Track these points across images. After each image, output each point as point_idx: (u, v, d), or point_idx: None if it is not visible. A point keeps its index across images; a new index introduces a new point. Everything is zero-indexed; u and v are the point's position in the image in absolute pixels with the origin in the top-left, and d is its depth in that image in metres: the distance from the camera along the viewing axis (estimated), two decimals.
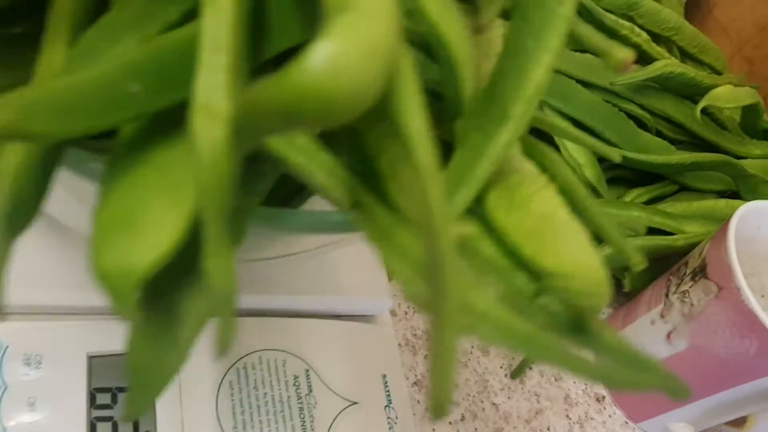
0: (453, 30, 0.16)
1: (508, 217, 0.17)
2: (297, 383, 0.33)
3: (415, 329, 0.41)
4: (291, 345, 0.34)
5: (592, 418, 0.43)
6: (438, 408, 0.13)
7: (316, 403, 0.33)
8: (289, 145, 0.15)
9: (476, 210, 0.18)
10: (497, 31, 0.18)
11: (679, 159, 0.46)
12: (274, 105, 0.09)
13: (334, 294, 0.36)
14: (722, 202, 0.47)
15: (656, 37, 0.51)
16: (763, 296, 0.41)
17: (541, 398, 0.42)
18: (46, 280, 0.29)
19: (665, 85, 0.47)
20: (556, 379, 0.44)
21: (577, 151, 0.46)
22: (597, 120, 0.46)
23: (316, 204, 0.21)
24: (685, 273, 0.40)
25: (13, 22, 0.16)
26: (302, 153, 0.15)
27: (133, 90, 0.12)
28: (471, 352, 0.42)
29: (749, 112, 0.49)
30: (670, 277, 0.41)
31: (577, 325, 0.16)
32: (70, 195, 0.22)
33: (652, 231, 0.45)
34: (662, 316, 0.41)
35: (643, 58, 0.49)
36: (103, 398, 0.30)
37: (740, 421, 0.42)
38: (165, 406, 0.30)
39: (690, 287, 0.39)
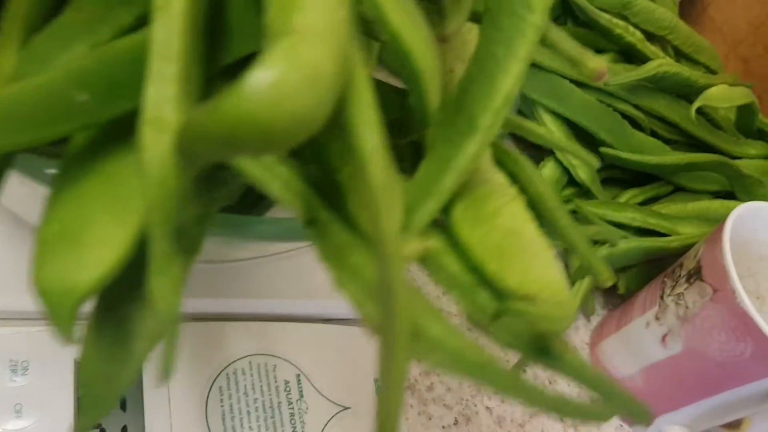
0: (416, 40, 0.15)
1: (473, 232, 0.16)
2: (288, 388, 0.33)
3: None
4: (282, 350, 0.34)
5: (586, 421, 0.43)
6: None
7: (307, 409, 0.33)
8: (252, 158, 0.14)
9: (445, 222, 0.17)
10: (473, 32, 0.18)
11: (673, 159, 0.46)
12: (210, 132, 0.08)
13: (326, 297, 0.36)
14: (717, 203, 0.46)
15: (650, 37, 0.51)
16: (758, 298, 0.41)
17: None
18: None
19: (660, 84, 0.47)
20: (550, 382, 0.43)
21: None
22: (591, 120, 0.45)
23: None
24: (680, 275, 0.40)
25: None
26: (259, 164, 0.15)
27: (81, 99, 0.11)
28: None
29: (744, 111, 0.49)
30: (665, 279, 0.41)
31: (539, 346, 0.16)
32: None
33: (647, 232, 0.44)
34: (657, 318, 0.40)
35: (638, 58, 0.49)
36: None
37: (735, 424, 0.41)
38: (154, 412, 0.30)
39: (685, 289, 0.39)
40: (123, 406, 0.30)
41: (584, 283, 0.45)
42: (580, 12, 0.49)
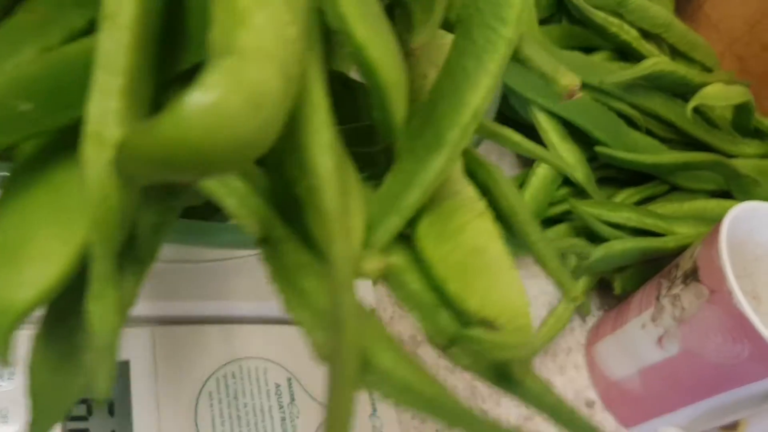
0: (381, 53, 0.15)
1: (437, 249, 0.16)
2: (279, 392, 0.33)
3: (400, 334, 0.40)
4: (272, 353, 0.33)
5: None
6: None
7: (298, 413, 0.33)
8: None
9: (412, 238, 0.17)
10: (448, 38, 0.17)
11: (669, 158, 0.45)
12: (145, 154, 0.08)
13: None
14: (714, 203, 0.46)
15: (646, 34, 0.50)
16: (755, 298, 0.41)
17: None
18: None
19: (655, 83, 0.46)
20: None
21: (566, 152, 0.45)
22: (586, 119, 0.45)
23: None
24: (676, 276, 0.39)
25: None
26: (218, 181, 0.14)
27: (24, 109, 0.11)
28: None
29: (741, 110, 0.49)
30: (661, 280, 0.41)
31: (499, 370, 0.15)
32: None
33: (643, 232, 0.44)
34: (653, 319, 0.40)
35: (633, 56, 0.49)
36: (79, 410, 0.29)
37: (732, 426, 0.41)
38: (142, 416, 0.30)
39: (681, 290, 0.38)
40: (111, 411, 0.30)
41: (580, 284, 0.45)
42: (574, 10, 0.48)
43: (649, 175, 0.47)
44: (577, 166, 0.45)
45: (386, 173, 0.16)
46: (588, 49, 0.50)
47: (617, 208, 0.44)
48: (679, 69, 0.47)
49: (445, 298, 0.16)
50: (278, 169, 0.14)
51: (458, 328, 0.15)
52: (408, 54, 0.16)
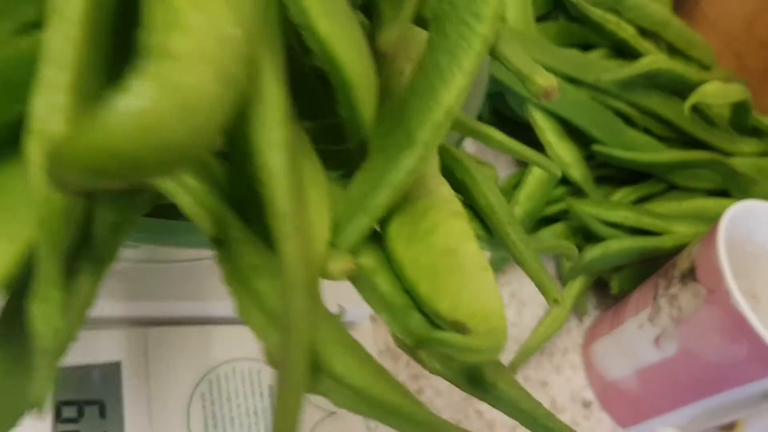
0: (346, 48, 0.14)
1: (407, 250, 0.15)
2: (272, 394, 0.32)
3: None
4: None
5: (578, 424, 0.42)
6: None
7: None
8: None
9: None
10: (425, 34, 0.17)
11: (667, 157, 0.45)
12: (74, 160, 0.07)
13: None
14: (711, 202, 0.46)
15: (643, 32, 0.50)
16: (753, 298, 0.40)
17: None
18: None
19: (653, 81, 0.46)
20: (542, 385, 0.43)
21: (563, 150, 0.45)
22: (583, 117, 0.44)
23: None
24: (673, 275, 0.39)
25: None
26: (172, 178, 0.14)
27: None
28: None
29: (739, 108, 0.48)
30: (659, 280, 0.40)
31: (470, 375, 0.15)
32: None
33: (641, 231, 0.44)
34: (650, 319, 0.40)
35: (631, 54, 0.48)
36: (69, 412, 0.29)
37: (730, 426, 0.41)
38: (134, 418, 0.29)
39: (679, 290, 0.38)
40: (102, 413, 0.29)
41: (576, 284, 0.44)
42: (571, 7, 0.48)
43: (647, 174, 0.47)
44: (574, 164, 0.45)
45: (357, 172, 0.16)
46: (585, 47, 0.49)
47: (614, 207, 0.44)
48: (677, 67, 0.46)
49: (416, 301, 0.15)
50: (241, 167, 0.13)
51: (428, 330, 0.14)
52: (383, 52, 0.16)
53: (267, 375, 0.32)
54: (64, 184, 0.08)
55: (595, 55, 0.49)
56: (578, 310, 0.46)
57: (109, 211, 0.12)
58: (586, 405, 0.43)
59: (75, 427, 0.29)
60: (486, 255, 0.47)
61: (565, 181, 0.46)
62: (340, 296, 0.34)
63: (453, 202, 0.17)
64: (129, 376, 0.30)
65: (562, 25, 0.50)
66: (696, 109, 0.47)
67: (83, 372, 0.30)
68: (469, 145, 0.49)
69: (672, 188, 0.48)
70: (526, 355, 0.42)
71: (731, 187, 0.47)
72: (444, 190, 0.17)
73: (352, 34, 0.15)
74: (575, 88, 0.45)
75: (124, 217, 0.13)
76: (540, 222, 0.45)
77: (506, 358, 0.42)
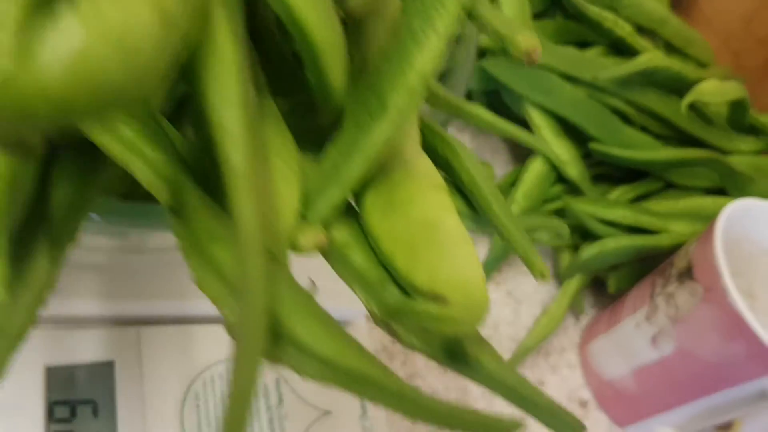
0: (310, 10, 0.14)
1: (383, 221, 0.15)
2: (267, 393, 0.32)
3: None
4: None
5: None
6: None
7: (286, 414, 0.32)
8: (114, 137, 0.13)
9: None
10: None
11: (664, 155, 0.45)
12: (5, 107, 0.07)
13: None
14: (709, 200, 0.46)
15: (641, 30, 0.50)
16: (750, 297, 0.40)
17: None
18: None
19: (650, 79, 0.46)
20: (538, 384, 0.42)
21: (560, 148, 0.45)
22: (580, 115, 0.44)
23: None
24: (670, 274, 0.39)
25: None
26: (127, 146, 0.13)
27: None
28: None
29: (736, 106, 0.48)
30: (656, 278, 0.40)
31: (451, 350, 0.14)
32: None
33: (638, 230, 0.44)
34: (647, 318, 0.39)
35: (628, 52, 0.48)
36: (62, 412, 0.29)
37: (727, 425, 0.41)
38: (127, 418, 0.29)
39: (676, 289, 0.38)
40: (95, 413, 0.29)
41: (573, 282, 0.44)
42: (568, 5, 0.48)
43: (644, 172, 0.47)
44: (571, 162, 0.45)
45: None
46: (582, 45, 0.49)
47: (612, 206, 0.43)
48: (674, 65, 0.46)
49: (392, 275, 0.15)
50: (202, 135, 0.13)
51: (401, 302, 0.14)
52: (354, 16, 0.15)
53: (261, 374, 0.32)
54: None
55: (593, 53, 0.48)
56: (575, 309, 0.46)
57: (67, 189, 0.12)
58: (583, 404, 0.43)
59: (68, 427, 0.29)
60: (480, 255, 0.47)
61: (562, 179, 0.46)
62: (335, 294, 0.34)
63: (433, 175, 0.16)
64: (122, 375, 0.30)
65: (559, 22, 0.49)
66: (693, 107, 0.47)
67: (76, 372, 0.29)
68: (467, 143, 0.49)
69: (669, 187, 0.47)
70: (523, 354, 0.42)
71: (729, 185, 0.47)
72: (424, 162, 0.17)
73: None
74: (572, 85, 0.45)
75: (83, 195, 0.13)
76: None
77: (503, 357, 0.42)
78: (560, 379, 0.43)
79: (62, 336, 0.29)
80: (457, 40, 0.22)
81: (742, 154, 0.48)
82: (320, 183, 0.15)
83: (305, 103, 0.16)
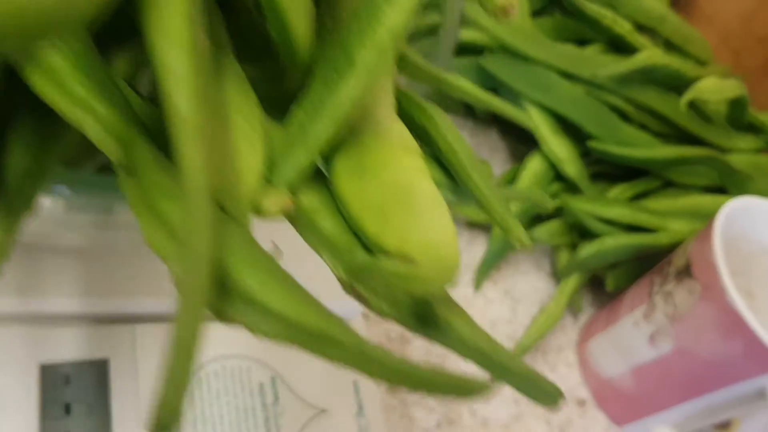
0: None
1: (352, 184, 0.14)
2: (262, 391, 0.32)
3: (389, 332, 0.39)
4: (256, 351, 0.32)
5: (573, 422, 0.42)
6: (161, 421, 0.10)
7: (282, 412, 0.32)
8: (64, 94, 0.13)
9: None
10: None
11: (663, 153, 0.45)
12: None
13: None
14: (708, 199, 0.45)
15: (640, 27, 0.50)
16: (749, 295, 0.40)
17: (521, 403, 0.41)
18: None
19: (649, 76, 0.46)
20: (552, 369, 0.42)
21: (558, 146, 0.45)
22: (578, 113, 0.44)
23: None
24: (669, 272, 0.39)
25: None
26: (77, 103, 0.13)
27: None
28: (447, 356, 0.40)
29: (735, 105, 0.48)
30: (654, 277, 0.40)
31: (422, 314, 0.14)
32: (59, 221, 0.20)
33: (637, 229, 0.43)
34: (645, 316, 0.39)
35: (627, 49, 0.48)
36: (57, 409, 0.29)
37: (725, 424, 0.40)
38: (122, 416, 0.29)
39: (674, 287, 0.38)
40: (90, 410, 0.29)
41: (571, 281, 0.44)
42: (567, 2, 0.48)
43: (643, 171, 0.47)
44: (569, 161, 0.45)
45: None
46: (581, 42, 0.49)
47: (610, 204, 0.43)
48: (673, 62, 0.46)
49: (362, 241, 0.14)
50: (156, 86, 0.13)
51: (369, 260, 0.13)
52: None
53: (257, 373, 0.32)
54: None
55: (591, 51, 0.48)
56: (573, 308, 0.46)
57: (22, 156, 0.12)
58: (581, 403, 0.43)
59: (62, 424, 0.29)
60: (478, 253, 0.46)
61: (560, 177, 0.46)
62: (331, 291, 0.34)
63: (407, 139, 0.16)
64: (117, 373, 0.30)
65: (557, 20, 0.49)
66: (692, 105, 0.47)
67: (70, 369, 0.29)
68: None
69: (668, 185, 0.47)
70: (520, 352, 0.42)
71: (727, 183, 0.47)
72: (397, 127, 0.16)
73: None
74: (571, 83, 0.45)
75: (40, 162, 0.13)
76: (535, 219, 0.45)
77: None
78: (558, 378, 0.43)
79: (57, 334, 0.29)
80: (440, 10, 0.21)
81: (741, 153, 0.48)
82: (286, 145, 0.14)
83: (274, 71, 0.16)
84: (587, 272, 0.45)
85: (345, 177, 0.15)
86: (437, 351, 0.40)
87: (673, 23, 0.51)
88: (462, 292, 0.43)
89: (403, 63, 0.19)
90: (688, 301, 0.36)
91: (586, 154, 0.46)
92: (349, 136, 0.15)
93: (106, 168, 0.15)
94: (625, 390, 0.41)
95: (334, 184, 0.15)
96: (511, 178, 0.46)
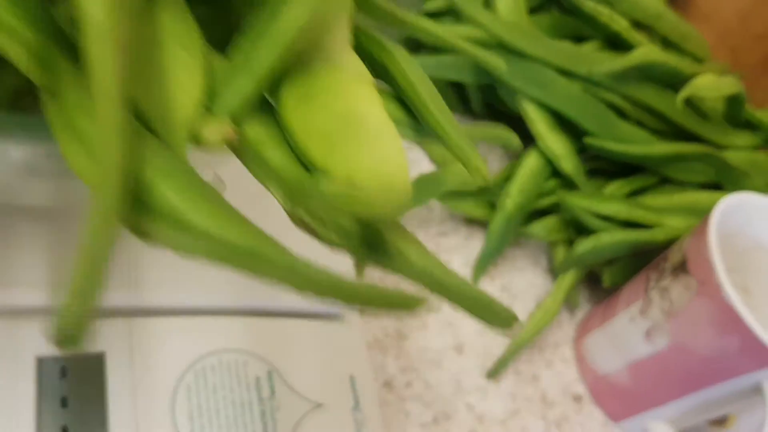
0: None
1: (300, 114, 0.14)
2: (259, 386, 0.32)
3: (385, 328, 0.40)
4: (253, 346, 0.33)
5: (569, 419, 0.42)
6: (65, 333, 0.10)
7: (278, 406, 0.32)
8: None
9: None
10: None
11: (660, 150, 0.45)
12: None
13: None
14: (704, 195, 0.46)
15: (637, 25, 0.50)
16: (744, 291, 0.40)
17: (517, 398, 0.41)
18: None
19: (646, 73, 0.46)
20: (533, 379, 0.42)
21: (555, 143, 0.45)
22: (575, 110, 0.44)
23: None
24: (665, 268, 0.39)
25: None
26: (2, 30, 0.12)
27: None
28: (444, 351, 0.40)
29: (732, 102, 0.48)
30: (650, 273, 0.40)
31: (372, 241, 0.13)
32: (21, 172, 0.20)
33: (633, 225, 0.43)
34: (642, 312, 0.39)
35: (624, 46, 0.48)
36: (53, 402, 0.29)
37: (722, 420, 0.41)
38: (118, 409, 0.29)
39: (670, 283, 0.38)
40: (86, 405, 0.29)
41: (568, 277, 0.44)
42: (564, 0, 0.48)
43: (640, 167, 0.47)
44: (566, 157, 0.45)
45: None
46: (578, 39, 0.49)
47: (606, 200, 0.43)
48: (670, 59, 0.46)
49: (310, 171, 0.14)
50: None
51: (311, 181, 0.13)
52: None
53: (253, 367, 0.32)
54: None
55: (588, 48, 0.48)
56: (570, 304, 0.46)
57: None
58: (578, 399, 0.43)
59: (58, 417, 0.29)
60: (475, 251, 0.46)
61: (557, 174, 0.46)
62: None
63: (360, 70, 0.15)
64: (113, 367, 0.30)
65: (555, 17, 0.49)
66: (689, 102, 0.47)
67: (66, 363, 0.29)
68: None
69: (664, 181, 0.47)
70: (517, 348, 0.42)
71: (724, 180, 0.47)
72: (350, 58, 0.16)
73: None
74: (567, 80, 0.45)
75: None
76: (532, 215, 0.45)
77: (497, 352, 0.42)
78: (554, 374, 0.43)
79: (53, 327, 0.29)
80: None
81: (737, 150, 0.48)
82: (229, 74, 0.14)
83: (224, 11, 0.15)
84: (584, 268, 0.45)
85: (293, 106, 0.14)
86: (434, 346, 0.40)
87: (671, 21, 0.51)
88: None
89: (364, 3, 0.19)
90: (684, 297, 0.36)
91: (583, 151, 0.46)
92: (298, 66, 0.14)
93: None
94: (622, 386, 0.42)
95: (281, 114, 0.15)
96: (508, 175, 0.46)
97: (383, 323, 0.40)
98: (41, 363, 0.29)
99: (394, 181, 0.13)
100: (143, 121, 0.13)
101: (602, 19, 0.47)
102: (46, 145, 0.17)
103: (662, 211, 0.44)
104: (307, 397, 0.33)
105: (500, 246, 0.44)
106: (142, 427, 0.29)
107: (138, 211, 0.11)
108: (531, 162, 0.45)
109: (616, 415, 0.43)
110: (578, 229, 0.44)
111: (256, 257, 0.11)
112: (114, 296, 0.30)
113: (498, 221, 0.44)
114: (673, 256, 0.38)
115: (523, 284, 0.46)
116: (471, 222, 0.47)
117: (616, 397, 0.42)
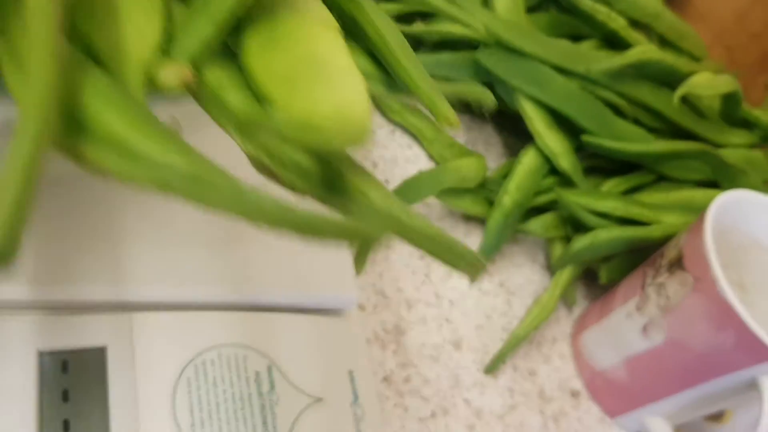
0: None
1: (262, 57, 0.14)
2: (258, 380, 0.32)
3: (384, 323, 0.40)
4: (253, 340, 0.33)
5: (566, 414, 0.42)
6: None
7: (278, 400, 0.32)
8: None
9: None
10: None
11: (656, 147, 0.45)
12: None
13: (299, 287, 0.35)
14: (700, 193, 0.46)
15: (634, 23, 0.50)
16: (740, 287, 0.40)
17: (515, 393, 0.41)
18: None
19: (643, 72, 0.46)
20: (530, 374, 0.43)
21: (552, 141, 0.45)
22: (573, 107, 0.44)
23: None
24: (661, 264, 0.39)
25: None
26: None
27: None
28: (443, 347, 0.41)
29: (729, 100, 0.48)
30: (646, 269, 0.40)
31: (330, 181, 0.13)
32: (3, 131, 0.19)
33: (630, 222, 0.44)
34: (638, 308, 0.40)
35: (621, 45, 0.48)
36: (54, 396, 0.29)
37: (718, 416, 0.41)
38: (119, 403, 0.29)
39: (666, 279, 0.38)
40: (87, 398, 0.29)
41: (565, 273, 0.44)
42: None
43: (636, 165, 0.47)
44: (563, 154, 0.45)
45: None
46: (576, 38, 0.49)
47: (603, 198, 0.44)
48: (667, 58, 0.46)
49: (270, 114, 0.14)
50: None
51: (266, 115, 0.13)
52: None
53: (253, 361, 0.32)
54: None
55: (586, 46, 0.49)
56: (567, 300, 0.46)
57: None
58: (575, 395, 0.43)
59: (60, 411, 0.29)
60: (473, 247, 0.46)
61: (554, 171, 0.46)
62: (325, 282, 0.34)
63: (324, 16, 0.15)
64: (114, 361, 0.30)
65: (552, 15, 0.50)
66: (686, 100, 0.47)
67: (68, 357, 0.29)
68: (459, 136, 0.49)
69: (661, 179, 0.48)
70: (514, 344, 0.42)
71: (720, 178, 0.47)
72: (315, 5, 0.16)
73: None
74: (565, 78, 0.45)
75: None
76: (529, 212, 0.45)
77: (495, 347, 0.42)
78: (552, 370, 0.43)
79: (55, 321, 0.30)
80: None
81: (734, 148, 0.48)
82: (188, 19, 0.14)
83: None
84: (581, 265, 0.45)
85: (255, 50, 0.14)
86: (432, 342, 0.41)
87: (668, 20, 0.51)
88: (457, 284, 0.44)
89: None
90: (680, 293, 0.37)
91: (580, 149, 0.46)
92: (262, 13, 0.14)
93: None
94: (618, 381, 0.42)
95: (243, 59, 0.14)
96: (506, 173, 0.46)
97: (382, 318, 0.40)
98: (42, 357, 0.29)
99: (352, 115, 0.13)
100: (101, 63, 0.13)
101: (600, 18, 0.48)
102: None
103: (659, 208, 0.44)
104: (306, 392, 0.33)
105: (498, 243, 0.44)
106: (142, 420, 0.29)
107: (76, 135, 0.11)
108: (529, 159, 0.45)
109: (612, 410, 0.43)
110: (575, 226, 0.44)
111: (201, 184, 0.11)
112: (115, 290, 0.30)
113: (496, 218, 0.44)
114: (670, 252, 0.39)
115: (520, 280, 0.46)
116: (469, 219, 0.47)
117: (612, 392, 0.43)
